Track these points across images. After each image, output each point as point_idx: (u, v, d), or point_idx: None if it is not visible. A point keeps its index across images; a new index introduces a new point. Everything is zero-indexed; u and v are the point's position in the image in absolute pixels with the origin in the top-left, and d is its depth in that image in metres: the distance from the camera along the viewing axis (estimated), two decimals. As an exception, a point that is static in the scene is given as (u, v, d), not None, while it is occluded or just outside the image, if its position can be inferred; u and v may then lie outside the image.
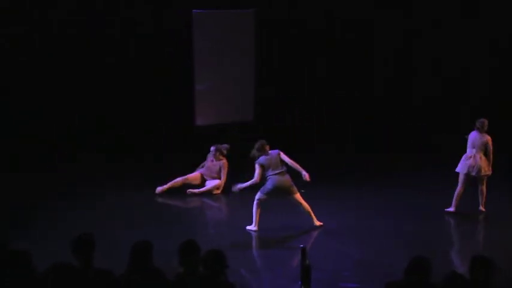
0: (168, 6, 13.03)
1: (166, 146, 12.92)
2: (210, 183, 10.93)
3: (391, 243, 8.49)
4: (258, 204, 8.91)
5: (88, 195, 10.65)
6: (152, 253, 5.03)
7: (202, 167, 11.14)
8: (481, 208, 9.66)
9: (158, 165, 11.65)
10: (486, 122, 9.51)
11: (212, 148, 11.04)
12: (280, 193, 8.87)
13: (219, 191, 10.87)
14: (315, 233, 8.87)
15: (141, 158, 12.64)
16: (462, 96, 13.84)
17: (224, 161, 11.03)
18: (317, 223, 9.04)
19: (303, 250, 6.04)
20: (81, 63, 12.87)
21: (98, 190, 10.93)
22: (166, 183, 10.85)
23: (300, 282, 6.30)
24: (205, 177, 11.04)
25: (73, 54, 12.80)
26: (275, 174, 8.79)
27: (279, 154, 8.87)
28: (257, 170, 8.78)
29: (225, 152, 11.05)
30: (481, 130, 9.49)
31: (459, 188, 9.59)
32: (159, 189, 10.81)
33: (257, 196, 8.93)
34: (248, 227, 8.96)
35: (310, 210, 9.01)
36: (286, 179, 8.84)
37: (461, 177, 9.59)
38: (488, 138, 9.50)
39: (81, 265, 4.94)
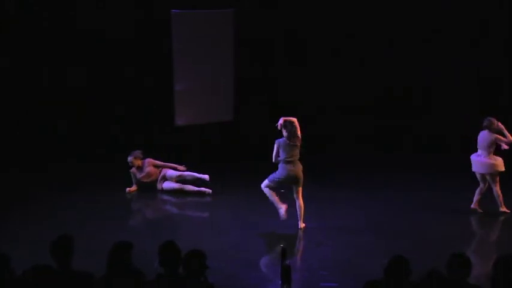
0: (146, 6, 13.00)
1: (146, 146, 12.87)
2: (171, 184, 11.01)
3: (370, 242, 8.54)
4: (269, 191, 8.91)
5: (67, 196, 10.59)
6: (132, 254, 5.01)
7: (138, 183, 11.10)
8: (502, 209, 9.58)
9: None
10: (495, 120, 9.36)
11: (129, 159, 11.10)
12: (288, 182, 8.83)
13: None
14: (294, 233, 8.88)
15: (120, 158, 12.56)
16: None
17: (147, 160, 11.11)
18: (301, 225, 9.03)
19: (283, 250, 6.04)
20: (58, 63, 12.80)
21: (78, 190, 10.88)
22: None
23: (280, 282, 6.31)
24: (161, 185, 11.07)
25: (49, 54, 12.73)
26: (287, 161, 8.73)
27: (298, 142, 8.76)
28: (274, 150, 8.77)
29: (141, 155, 11.13)
30: (489, 129, 9.36)
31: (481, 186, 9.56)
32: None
33: (264, 184, 8.92)
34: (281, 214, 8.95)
35: (303, 209, 8.98)
36: (298, 168, 8.79)
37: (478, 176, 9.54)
38: (495, 136, 9.33)
39: (60, 267, 4.91)
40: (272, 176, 8.86)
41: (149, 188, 11.05)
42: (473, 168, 9.51)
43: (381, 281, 4.78)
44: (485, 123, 9.39)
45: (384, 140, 13.66)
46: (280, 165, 8.82)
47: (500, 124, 9.41)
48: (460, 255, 4.77)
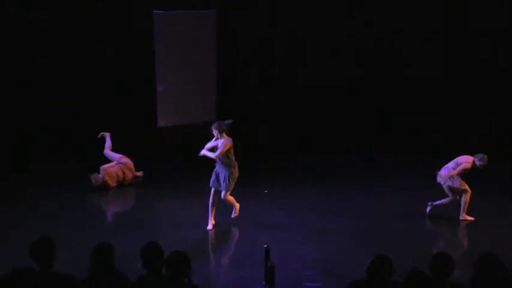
0: (128, 7, 12.96)
1: (127, 148, 12.82)
2: None
3: (352, 243, 8.57)
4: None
5: (46, 198, 10.52)
6: (114, 255, 4.99)
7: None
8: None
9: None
10: (486, 157, 9.27)
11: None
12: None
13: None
14: (276, 233, 8.90)
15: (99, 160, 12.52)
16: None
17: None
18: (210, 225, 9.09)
19: (267, 250, 6.06)
20: (36, 63, 12.71)
21: (57, 193, 10.80)
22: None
23: (264, 283, 6.32)
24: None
25: (29, 55, 12.65)
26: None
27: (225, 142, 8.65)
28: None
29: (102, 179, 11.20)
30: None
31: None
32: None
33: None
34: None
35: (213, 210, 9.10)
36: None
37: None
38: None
39: (42, 269, 4.87)
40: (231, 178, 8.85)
41: (130, 188, 11.00)
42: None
43: (364, 280, 4.81)
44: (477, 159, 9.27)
45: (349, 141, 13.71)
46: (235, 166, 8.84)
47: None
48: (442, 254, 4.81)
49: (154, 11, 12.67)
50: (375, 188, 11.19)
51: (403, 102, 13.89)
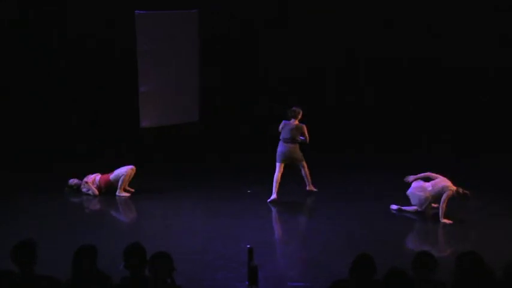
0: (110, 7, 12.91)
1: (112, 149, 12.79)
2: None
3: (337, 243, 8.57)
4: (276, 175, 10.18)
5: (27, 201, 10.44)
6: (96, 257, 4.96)
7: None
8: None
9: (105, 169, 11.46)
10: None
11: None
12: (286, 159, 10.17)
13: None
14: (261, 233, 8.90)
15: (84, 161, 12.47)
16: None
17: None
18: (311, 187, 10.60)
19: (250, 250, 6.05)
20: (22, 66, 12.65)
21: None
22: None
23: (247, 282, 6.31)
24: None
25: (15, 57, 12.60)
26: (283, 141, 10.19)
27: (299, 126, 10.20)
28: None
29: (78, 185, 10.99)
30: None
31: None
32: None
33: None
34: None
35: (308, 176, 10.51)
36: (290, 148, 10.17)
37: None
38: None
39: (23, 272, 4.83)
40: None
41: (111, 190, 10.96)
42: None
43: (347, 280, 4.80)
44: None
45: (338, 140, 13.74)
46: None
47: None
48: (425, 254, 4.82)
49: (136, 11, 12.61)
50: (375, 188, 11.18)
51: (403, 102, 13.96)
